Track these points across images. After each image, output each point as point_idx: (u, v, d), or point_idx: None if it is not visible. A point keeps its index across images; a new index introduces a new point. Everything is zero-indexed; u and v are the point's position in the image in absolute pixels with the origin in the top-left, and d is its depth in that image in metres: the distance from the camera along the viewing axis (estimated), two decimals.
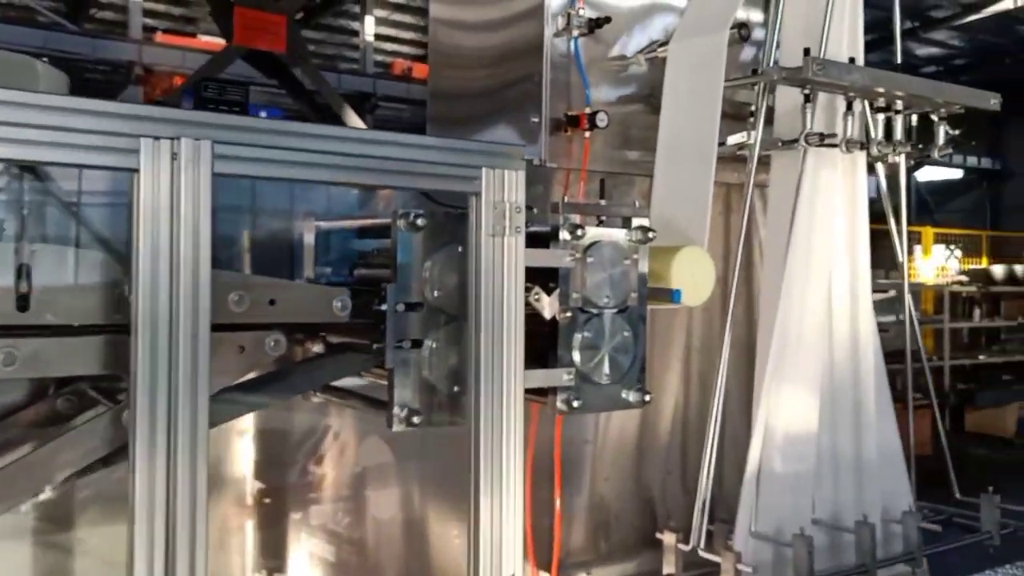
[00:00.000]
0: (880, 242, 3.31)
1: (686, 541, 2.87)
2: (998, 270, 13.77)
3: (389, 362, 1.96)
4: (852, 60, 2.88)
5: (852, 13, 3.02)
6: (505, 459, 1.99)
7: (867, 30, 3.05)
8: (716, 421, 2.86)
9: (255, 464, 3.01)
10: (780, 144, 2.96)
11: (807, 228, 2.94)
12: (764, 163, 3.07)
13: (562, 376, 2.20)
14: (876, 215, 3.28)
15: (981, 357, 12.44)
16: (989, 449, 10.59)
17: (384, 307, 1.96)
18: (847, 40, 2.97)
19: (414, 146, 1.85)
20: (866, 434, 3.11)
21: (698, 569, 2.89)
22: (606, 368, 2.27)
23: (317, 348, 2.29)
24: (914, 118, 3.06)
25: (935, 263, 17.52)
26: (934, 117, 3.04)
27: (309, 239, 2.61)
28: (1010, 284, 13.24)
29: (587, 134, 2.83)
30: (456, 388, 2.01)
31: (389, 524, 3.08)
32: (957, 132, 3.02)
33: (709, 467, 2.86)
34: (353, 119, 10.07)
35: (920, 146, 3.01)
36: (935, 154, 3.06)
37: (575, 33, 2.83)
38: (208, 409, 1.56)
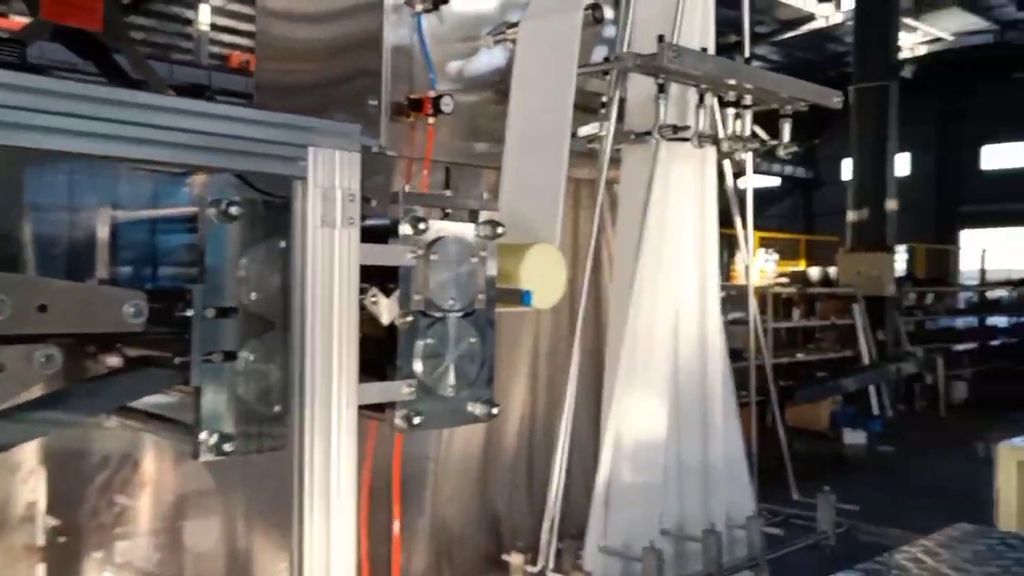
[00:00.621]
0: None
1: (534, 562, 2.67)
2: (814, 272, 14.59)
3: (195, 379, 1.64)
4: (704, 51, 2.77)
5: (704, 5, 2.92)
6: (335, 484, 1.72)
7: None
8: (567, 431, 2.67)
9: (48, 499, 2.56)
10: (633, 137, 2.81)
11: (659, 225, 2.80)
12: (614, 160, 2.91)
13: (401, 389, 1.95)
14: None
15: (799, 355, 13.09)
16: (807, 443, 11.10)
17: (190, 313, 1.64)
18: (699, 32, 2.87)
19: (227, 118, 1.54)
20: (713, 440, 3.02)
21: None
22: (451, 378, 2.03)
23: (114, 362, 1.92)
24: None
25: (757, 266, 18.39)
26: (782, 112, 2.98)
27: (103, 233, 2.21)
28: (824, 286, 14.05)
29: (431, 120, 2.58)
30: (278, 408, 1.71)
31: (207, 558, 2.72)
32: (796, 149, 3.02)
33: (559, 481, 2.67)
34: None
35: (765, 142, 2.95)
36: (781, 152, 3.01)
37: (419, 8, 2.57)
38: None
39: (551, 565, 2.63)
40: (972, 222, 34.84)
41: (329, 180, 1.66)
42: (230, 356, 1.66)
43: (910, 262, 26.60)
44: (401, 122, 2.61)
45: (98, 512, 2.70)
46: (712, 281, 3.01)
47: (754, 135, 2.89)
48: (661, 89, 2.64)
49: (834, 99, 2.96)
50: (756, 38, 25.49)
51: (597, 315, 3.13)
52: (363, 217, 1.80)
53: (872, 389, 12.80)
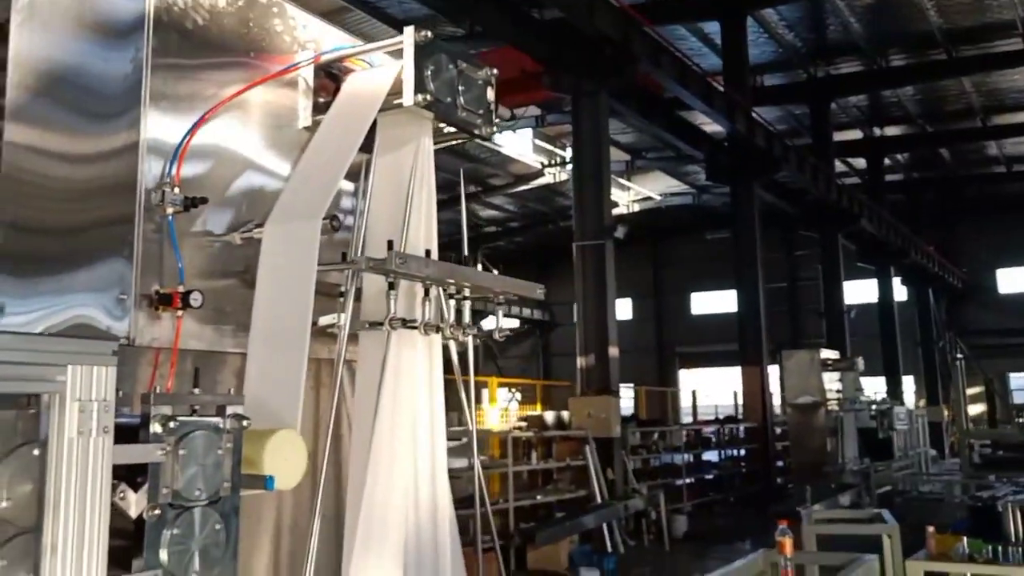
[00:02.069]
0: (453, 390, 3.62)
1: None
2: (549, 416, 15.49)
3: None
4: (428, 253, 3.21)
5: (427, 209, 3.38)
6: None
7: (438, 191, 3.43)
8: None
9: None
10: (367, 325, 3.16)
11: (392, 402, 3.14)
12: (353, 338, 3.24)
13: None
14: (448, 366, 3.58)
15: (538, 497, 13.71)
16: None
17: None
18: (423, 233, 3.31)
19: None
20: None
21: None
22: (196, 565, 2.19)
23: None
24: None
25: (500, 407, 19.16)
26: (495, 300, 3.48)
27: None
28: (559, 428, 14.95)
29: (179, 313, 2.78)
30: None
31: None
32: (509, 333, 3.51)
33: None
34: None
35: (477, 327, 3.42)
36: (496, 335, 3.49)
37: (169, 211, 2.81)
38: None
39: None
40: (688, 362, 38.47)
41: (87, 394, 1.84)
42: None
43: (636, 402, 28.78)
44: (150, 313, 2.78)
45: None
46: (441, 450, 3.36)
47: (472, 323, 3.35)
48: (391, 286, 3.03)
49: (537, 291, 3.50)
50: (492, 189, 27.50)
51: (338, 485, 3.36)
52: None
53: (605, 527, 13.61)
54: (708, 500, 17.63)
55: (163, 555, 2.13)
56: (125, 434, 2.10)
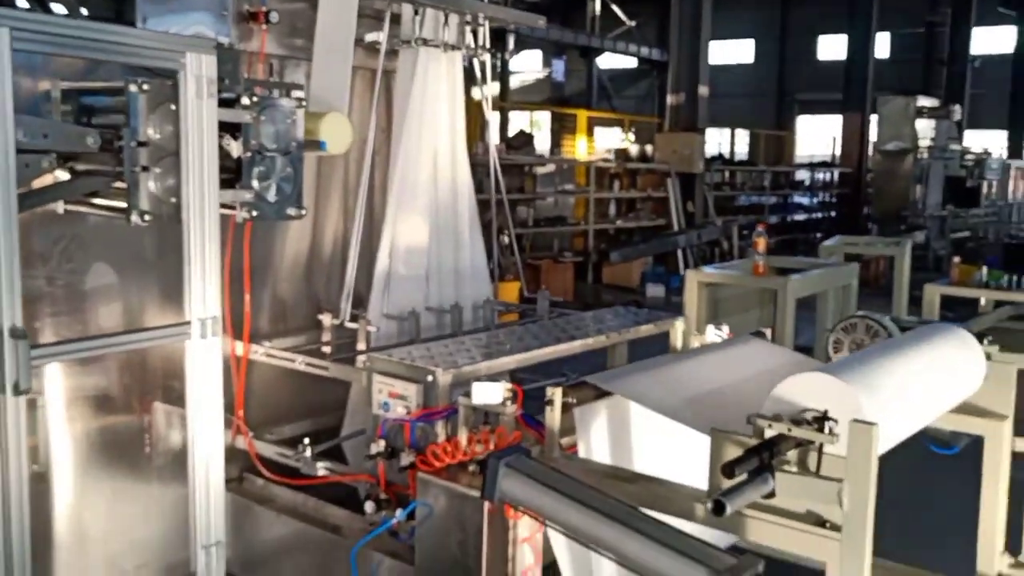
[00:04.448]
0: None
1: (337, 318, 4.22)
2: (633, 150, 16.42)
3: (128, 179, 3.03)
4: None
5: None
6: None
7: None
8: (357, 238, 4.19)
9: None
10: (402, 43, 4.24)
11: (420, 102, 4.27)
12: (395, 53, 4.35)
13: (245, 195, 3.36)
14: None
15: (619, 222, 14.99)
16: (616, 295, 13.10)
17: (121, 143, 3.00)
18: None
19: (126, 36, 2.87)
20: (461, 250, 4.58)
21: (347, 337, 4.24)
22: (274, 192, 3.46)
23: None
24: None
25: (605, 144, 19.98)
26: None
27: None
28: (641, 162, 15.93)
29: (264, 26, 3.92)
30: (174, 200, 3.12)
31: None
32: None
33: (352, 270, 4.20)
34: None
35: (494, 51, 4.44)
36: (507, 56, 4.50)
37: None
38: None
39: (347, 319, 4.18)
40: (807, 109, 37.64)
41: (198, 71, 3.02)
42: (145, 169, 3.04)
43: (751, 146, 29.03)
44: (245, 26, 3.93)
45: None
46: (461, 143, 4.52)
47: (486, 46, 4.38)
48: (416, 11, 4.06)
49: (539, 22, 4.45)
50: None
51: (385, 166, 4.61)
52: (221, 91, 3.17)
53: (680, 252, 14.89)
54: (791, 238, 18.56)
55: (254, 183, 3.39)
56: (229, 105, 3.31)
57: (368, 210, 4.40)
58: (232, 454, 4.17)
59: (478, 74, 4.60)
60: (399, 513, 3.29)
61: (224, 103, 3.22)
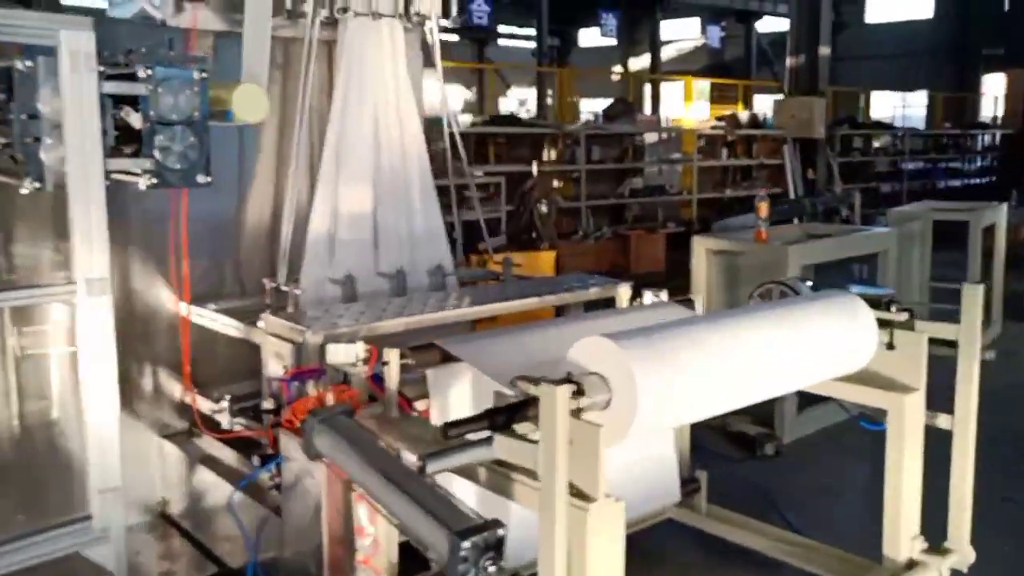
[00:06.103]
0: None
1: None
2: (743, 116, 15.71)
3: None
4: None
5: None
6: None
7: None
8: (293, 203, 4.35)
9: None
10: (341, 12, 4.34)
11: (359, 69, 4.37)
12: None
13: (145, 164, 3.57)
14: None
15: (728, 191, 14.47)
16: None
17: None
18: None
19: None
20: (411, 215, 4.64)
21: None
22: (175, 161, 3.66)
23: None
24: None
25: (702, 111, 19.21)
26: None
27: None
28: (752, 127, 15.21)
29: (197, 3, 4.13)
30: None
31: None
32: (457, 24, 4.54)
33: (288, 234, 4.38)
34: None
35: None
36: (450, 23, 4.53)
37: None
38: None
39: (283, 283, 4.36)
40: (994, 66, 34.56)
41: (75, 46, 3.24)
42: (36, 140, 3.31)
43: (930, 109, 27.12)
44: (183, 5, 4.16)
45: None
46: (410, 110, 4.57)
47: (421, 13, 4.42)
48: None
49: None
50: None
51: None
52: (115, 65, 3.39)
53: (797, 221, 14.20)
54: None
55: (155, 152, 3.61)
56: (131, 79, 3.53)
57: (310, 177, 4.56)
58: (183, 410, 4.48)
59: (430, 40, 4.64)
60: (257, 466, 3.46)
61: (126, 77, 3.44)
